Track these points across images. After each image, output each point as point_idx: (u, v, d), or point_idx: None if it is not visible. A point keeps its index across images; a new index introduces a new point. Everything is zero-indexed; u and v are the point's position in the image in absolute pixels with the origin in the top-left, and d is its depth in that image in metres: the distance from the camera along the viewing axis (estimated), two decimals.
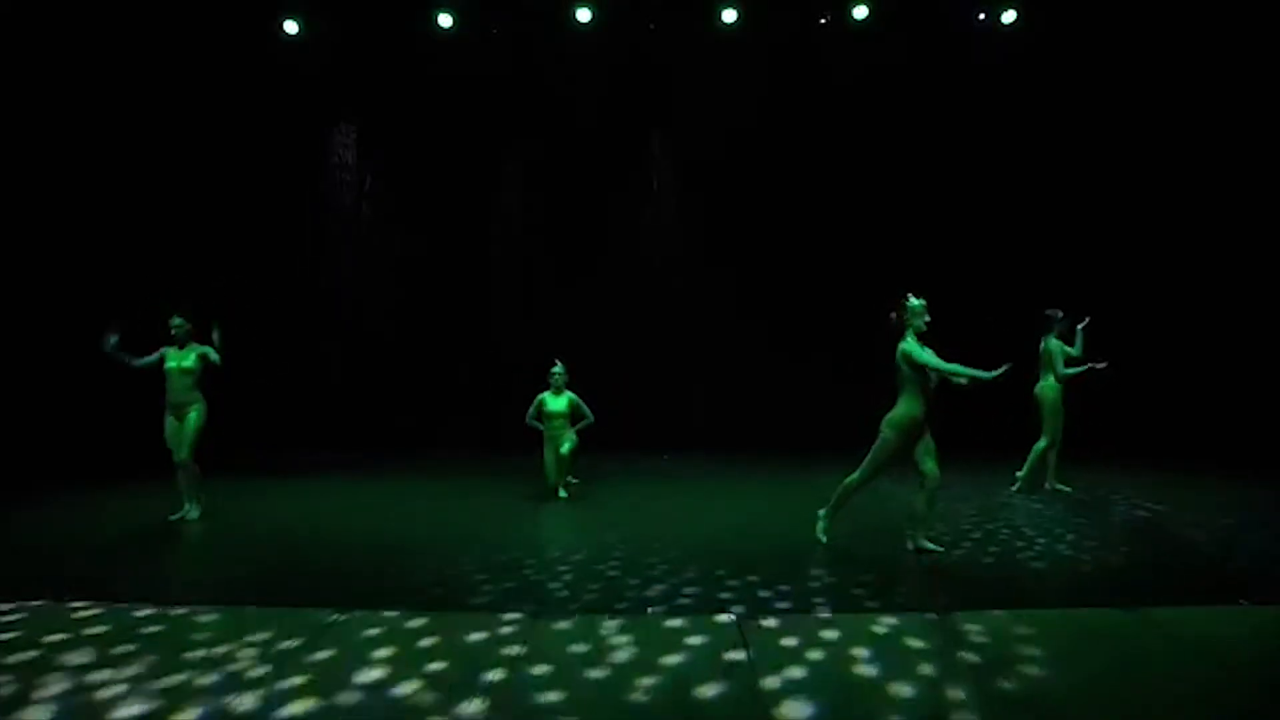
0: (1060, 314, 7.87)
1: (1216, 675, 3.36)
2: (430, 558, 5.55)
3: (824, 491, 6.06)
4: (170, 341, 6.97)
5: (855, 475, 5.69)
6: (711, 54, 11.60)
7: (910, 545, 5.62)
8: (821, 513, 5.93)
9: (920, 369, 5.38)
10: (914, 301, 5.49)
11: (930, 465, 5.49)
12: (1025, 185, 11.66)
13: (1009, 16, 11.19)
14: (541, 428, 8.06)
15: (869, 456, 5.61)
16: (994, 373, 5.14)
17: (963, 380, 5.37)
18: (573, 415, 8.04)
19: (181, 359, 6.92)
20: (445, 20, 11.28)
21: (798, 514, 6.41)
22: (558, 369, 8.06)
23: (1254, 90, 10.49)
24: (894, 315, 5.52)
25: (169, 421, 6.95)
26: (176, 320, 6.97)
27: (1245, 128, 10.62)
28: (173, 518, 6.85)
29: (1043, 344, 7.85)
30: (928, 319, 5.48)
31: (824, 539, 5.83)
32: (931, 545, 5.59)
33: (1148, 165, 11.23)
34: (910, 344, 5.42)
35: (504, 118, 12.12)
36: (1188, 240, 11.07)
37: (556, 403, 8.00)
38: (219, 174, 11.72)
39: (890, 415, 5.53)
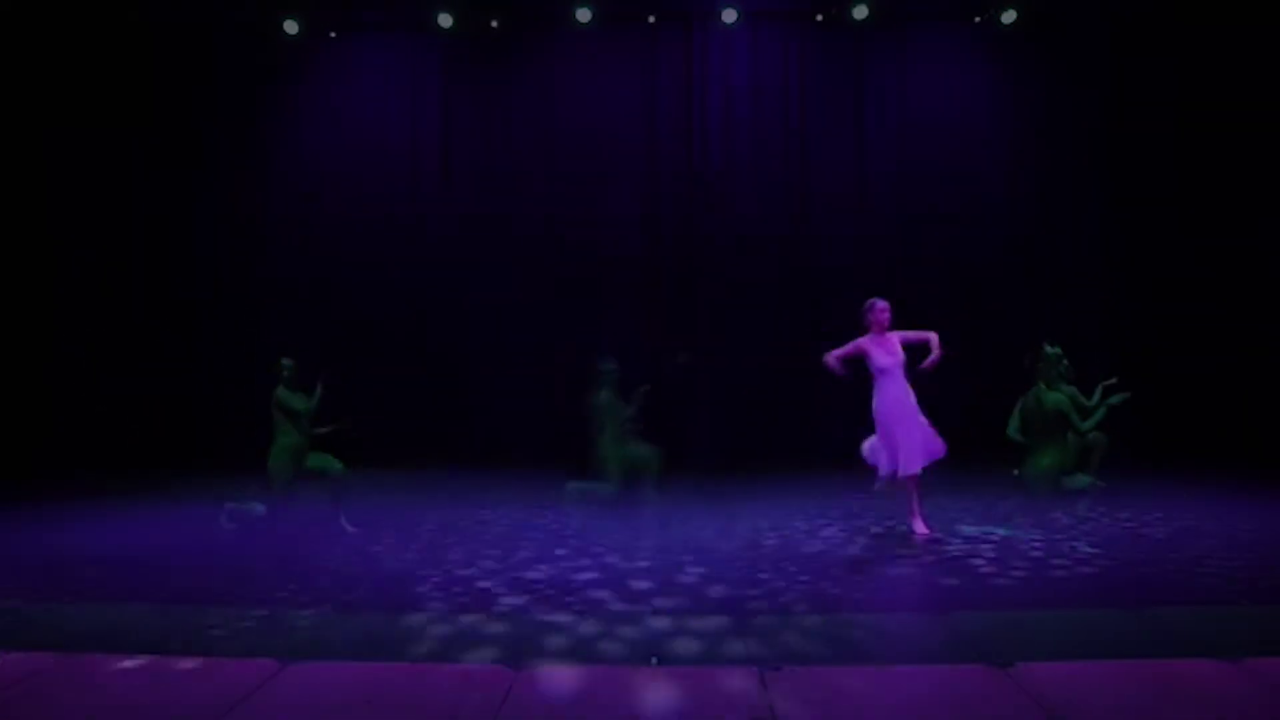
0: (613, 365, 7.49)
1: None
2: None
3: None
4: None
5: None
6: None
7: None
8: None
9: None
10: (1050, 350, 5.59)
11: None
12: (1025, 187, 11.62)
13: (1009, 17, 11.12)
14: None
15: None
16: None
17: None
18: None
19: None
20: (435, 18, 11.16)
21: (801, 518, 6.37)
22: (609, 365, 7.50)
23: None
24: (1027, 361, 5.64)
25: None
26: (286, 361, 6.76)
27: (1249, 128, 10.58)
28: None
29: None
30: (1063, 366, 5.69)
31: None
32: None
33: (1146, 168, 11.22)
34: (1045, 392, 5.61)
35: None
36: (1189, 242, 11.03)
37: (611, 399, 7.44)
38: None
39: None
